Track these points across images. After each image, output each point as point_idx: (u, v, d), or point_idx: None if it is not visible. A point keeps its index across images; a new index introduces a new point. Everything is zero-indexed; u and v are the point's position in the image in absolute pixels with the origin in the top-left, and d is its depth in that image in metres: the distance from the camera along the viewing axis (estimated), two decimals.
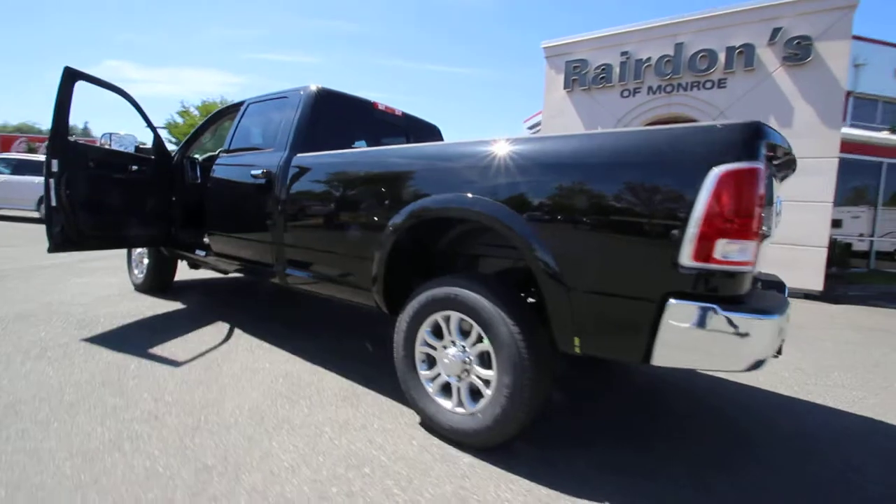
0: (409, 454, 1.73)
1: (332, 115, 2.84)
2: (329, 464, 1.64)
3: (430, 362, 1.93)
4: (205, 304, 3.79)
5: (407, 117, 3.43)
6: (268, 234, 2.68)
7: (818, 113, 6.23)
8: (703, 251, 1.23)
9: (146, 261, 3.98)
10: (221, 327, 3.16)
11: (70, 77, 2.79)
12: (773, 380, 2.82)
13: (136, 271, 4.14)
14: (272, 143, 2.82)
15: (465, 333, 1.81)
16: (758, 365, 1.24)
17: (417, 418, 2.00)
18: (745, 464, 1.82)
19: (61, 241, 2.94)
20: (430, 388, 1.90)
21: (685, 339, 1.27)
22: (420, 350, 1.93)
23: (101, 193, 3.14)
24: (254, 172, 2.73)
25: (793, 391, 2.67)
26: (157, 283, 4.00)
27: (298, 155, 2.57)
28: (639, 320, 1.34)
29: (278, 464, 1.62)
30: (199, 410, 1.97)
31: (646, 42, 7.63)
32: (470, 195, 1.69)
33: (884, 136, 10.42)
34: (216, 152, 4.27)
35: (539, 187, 1.55)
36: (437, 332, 1.89)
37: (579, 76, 8.02)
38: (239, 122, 3.16)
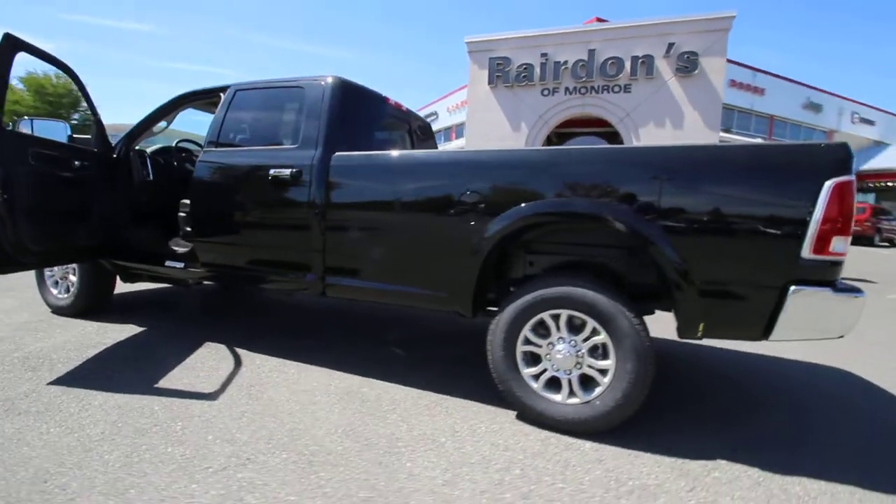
0: (536, 449, 1.82)
1: (355, 110, 2.67)
2: (479, 473, 1.65)
3: (532, 360, 2.03)
4: (170, 323, 3.24)
5: (409, 112, 3.35)
6: (299, 239, 2.44)
7: (702, 118, 7.67)
8: (821, 246, 1.55)
9: (73, 277, 3.24)
10: (217, 348, 2.77)
11: (11, 46, 2.15)
12: None
13: (55, 291, 3.34)
14: (292, 138, 2.54)
15: (574, 329, 1.95)
16: (847, 332, 1.62)
17: (512, 414, 2.08)
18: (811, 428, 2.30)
19: (7, 263, 2.27)
20: (536, 385, 2.00)
21: (803, 317, 1.59)
22: (522, 349, 2.01)
23: (45, 197, 2.48)
24: (276, 172, 2.45)
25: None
26: (94, 303, 3.28)
27: (340, 153, 2.38)
28: (763, 305, 1.63)
29: (432, 482, 1.58)
30: (291, 443, 1.78)
31: (563, 46, 8.43)
32: (600, 200, 1.82)
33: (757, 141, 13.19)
34: (176, 144, 3.66)
35: (673, 193, 1.75)
36: (540, 331, 1.99)
37: (503, 73, 8.52)
38: (226, 112, 2.75)
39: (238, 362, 2.58)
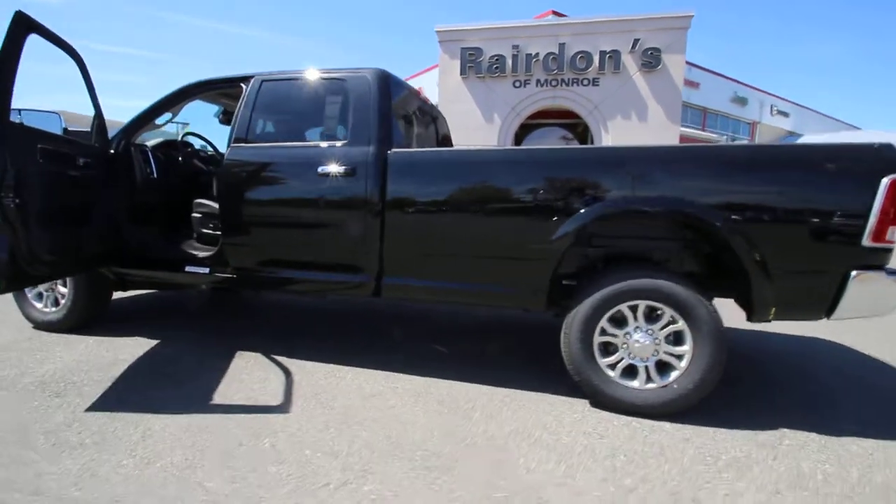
0: (626, 434, 1.93)
1: (398, 103, 2.61)
2: (590, 462, 1.72)
3: (607, 350, 2.13)
4: (181, 332, 3.00)
5: (433, 105, 3.32)
6: (351, 239, 2.36)
7: (665, 111, 8.23)
8: (879, 234, 1.77)
9: (63, 288, 2.89)
10: (252, 357, 2.62)
11: (24, 26, 1.88)
12: None
13: (39, 304, 2.97)
14: (340, 134, 2.44)
15: (649, 318, 2.07)
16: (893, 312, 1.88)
17: (585, 403, 2.18)
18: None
19: (12, 275, 2.00)
20: (613, 373, 2.11)
21: (862, 298, 1.82)
22: (599, 340, 2.11)
23: (55, 200, 2.20)
24: (326, 170, 2.34)
25: None
26: (90, 316, 2.96)
27: (397, 150, 2.32)
28: (828, 288, 1.84)
29: (552, 475, 1.64)
30: (396, 450, 1.75)
31: (534, 38, 8.62)
32: (691, 197, 1.93)
33: (705, 133, 14.26)
34: (182, 137, 3.33)
35: (755, 189, 1.90)
36: (617, 321, 2.10)
37: (475, 64, 8.57)
38: (254, 105, 2.57)
39: (286, 370, 2.46)
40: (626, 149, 2.15)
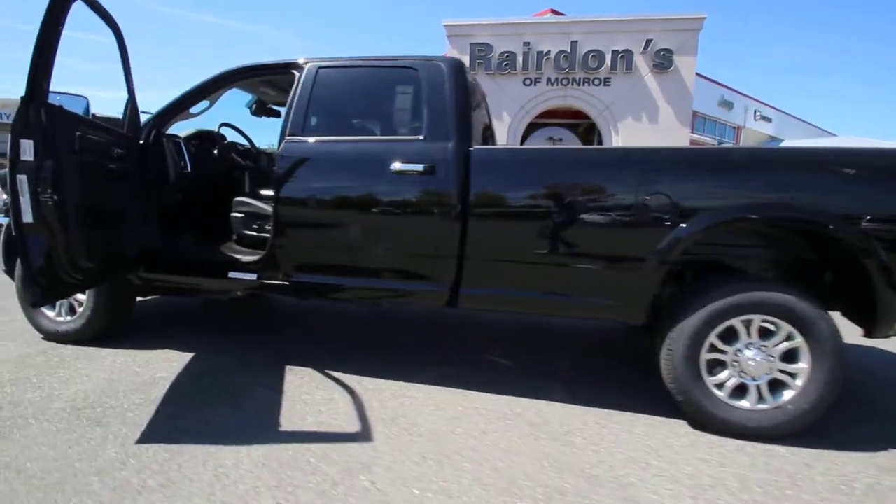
0: (746, 461, 1.79)
1: (472, 95, 2.40)
2: (724, 495, 1.57)
3: (714, 367, 1.99)
4: (218, 344, 2.73)
5: (485, 95, 3.12)
6: (426, 244, 2.15)
7: (675, 114, 8.23)
8: None
9: (83, 295, 2.58)
10: (306, 374, 2.39)
11: None
12: None
13: (52, 313, 2.65)
14: (414, 128, 2.22)
15: (763, 334, 1.94)
16: None
17: (685, 424, 2.04)
18: None
19: (50, 285, 1.72)
20: (721, 393, 1.96)
21: None
22: (706, 357, 1.96)
23: (95, 196, 1.92)
24: (402, 167, 2.12)
25: None
26: (111, 325, 2.67)
27: (480, 147, 2.12)
28: None
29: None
30: (512, 487, 1.57)
31: (545, 36, 8.49)
32: (816, 203, 1.80)
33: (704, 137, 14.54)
34: (220, 127, 3.02)
35: (875, 196, 1.78)
36: (726, 337, 1.96)
37: (484, 60, 8.38)
38: (310, 94, 2.33)
39: (349, 389, 2.24)
40: (751, 150, 2.00)
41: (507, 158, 2.12)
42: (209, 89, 2.55)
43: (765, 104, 27.72)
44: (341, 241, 2.29)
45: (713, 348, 1.96)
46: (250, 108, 3.12)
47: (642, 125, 8.31)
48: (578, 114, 8.60)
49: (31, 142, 1.61)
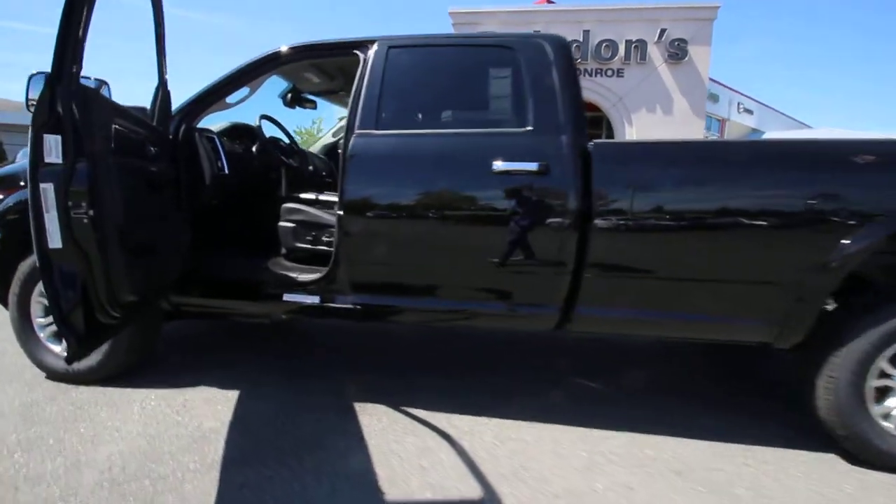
0: None
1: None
2: None
3: (883, 395, 1.72)
4: (249, 375, 2.32)
5: None
6: (539, 258, 1.82)
7: (690, 105, 8.07)
8: None
9: None
10: (382, 413, 2.03)
11: None
12: None
13: (59, 348, 2.19)
14: (516, 118, 1.87)
15: None
16: None
17: (837, 458, 1.77)
18: None
19: (87, 331, 1.31)
20: (890, 425, 1.70)
21: None
22: (873, 384, 1.69)
23: (136, 208, 1.51)
24: (506, 166, 1.77)
25: None
26: (136, 360, 2.24)
27: (601, 141, 1.79)
28: None
29: None
30: None
31: (556, 24, 8.18)
32: None
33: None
34: (259, 120, 2.55)
35: None
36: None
37: None
38: (382, 79, 1.95)
39: (444, 434, 1.89)
40: None
41: (639, 154, 1.79)
42: (250, 74, 2.13)
43: (747, 97, 28.26)
44: (425, 255, 1.93)
45: (882, 374, 1.69)
46: (284, 97, 2.70)
47: (656, 117, 8.12)
48: (590, 106, 8.35)
49: (57, 138, 1.20)
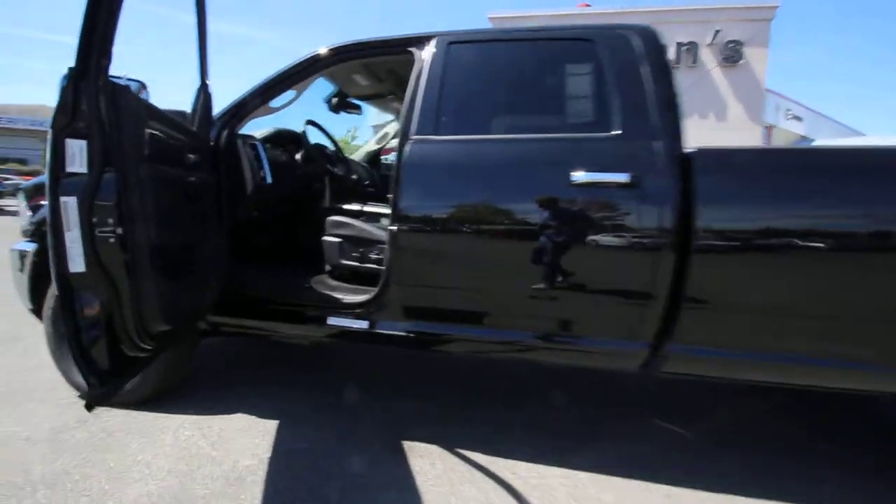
0: None
1: None
2: None
3: None
4: (284, 402, 2.13)
5: None
6: (629, 284, 1.55)
7: (746, 110, 7.59)
8: None
9: None
10: (434, 454, 1.79)
11: None
12: None
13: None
14: (594, 124, 1.62)
15: None
16: None
17: None
18: None
19: (112, 367, 1.14)
20: None
21: None
22: None
23: (172, 226, 1.34)
24: (589, 178, 1.51)
25: None
26: (171, 384, 2.09)
27: (707, 147, 1.51)
28: None
29: None
30: None
31: None
32: None
33: None
34: (306, 125, 2.39)
35: None
36: None
37: None
38: (441, 79, 1.74)
39: (507, 485, 1.63)
40: None
41: (753, 162, 1.50)
42: (296, 76, 1.97)
43: (796, 102, 26.89)
44: (490, 278, 1.68)
45: None
46: (329, 102, 2.54)
47: (708, 123, 7.62)
48: None
49: (82, 143, 1.03)
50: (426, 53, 1.79)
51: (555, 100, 1.75)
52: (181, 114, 1.71)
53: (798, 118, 26.84)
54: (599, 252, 1.55)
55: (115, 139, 1.09)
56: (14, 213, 6.33)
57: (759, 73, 7.86)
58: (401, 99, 2.80)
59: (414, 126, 1.72)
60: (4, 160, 25.27)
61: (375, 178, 3.12)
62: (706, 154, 1.50)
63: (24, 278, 2.08)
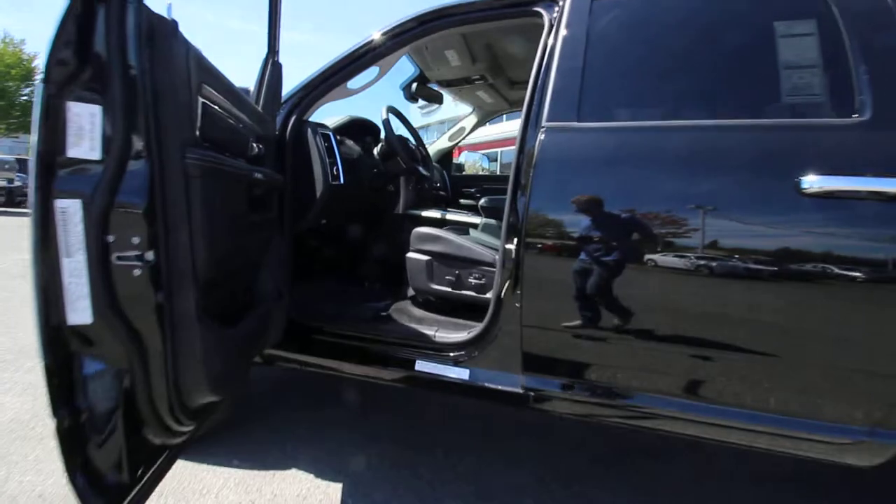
0: None
1: None
2: None
3: None
4: (347, 457, 1.70)
5: None
6: (876, 349, 1.03)
7: None
8: None
9: None
10: None
11: None
12: None
13: None
14: (830, 103, 1.12)
15: None
16: None
17: None
18: None
19: (133, 467, 0.73)
20: None
21: None
22: None
23: (227, 243, 0.93)
24: (831, 185, 1.01)
25: None
26: (218, 423, 1.71)
27: None
28: None
29: None
30: None
31: None
32: None
33: None
34: (387, 113, 1.94)
35: None
36: None
37: None
38: (585, 47, 1.27)
39: None
40: None
41: None
42: (382, 51, 1.55)
43: None
44: (666, 321, 1.19)
45: None
46: (407, 88, 2.12)
47: None
48: None
49: (94, 110, 0.63)
50: (562, 14, 1.33)
51: (758, 72, 1.22)
52: (244, 90, 1.33)
53: None
54: (850, 295, 1.03)
55: (149, 106, 0.70)
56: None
57: None
58: (490, 85, 2.40)
59: (546, 110, 1.26)
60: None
61: (447, 182, 2.70)
62: None
63: None
